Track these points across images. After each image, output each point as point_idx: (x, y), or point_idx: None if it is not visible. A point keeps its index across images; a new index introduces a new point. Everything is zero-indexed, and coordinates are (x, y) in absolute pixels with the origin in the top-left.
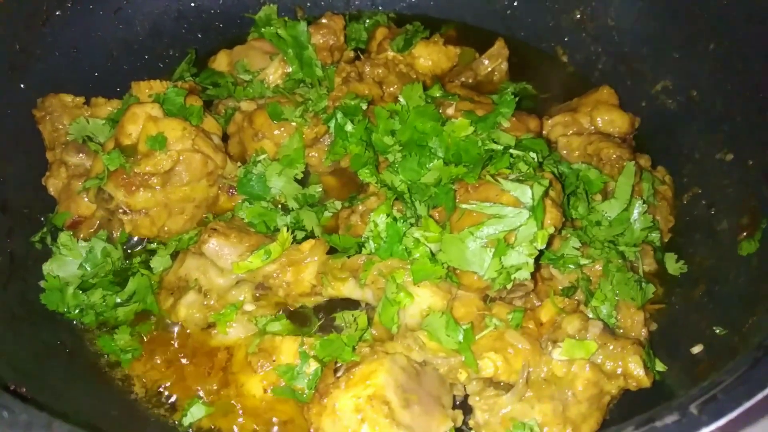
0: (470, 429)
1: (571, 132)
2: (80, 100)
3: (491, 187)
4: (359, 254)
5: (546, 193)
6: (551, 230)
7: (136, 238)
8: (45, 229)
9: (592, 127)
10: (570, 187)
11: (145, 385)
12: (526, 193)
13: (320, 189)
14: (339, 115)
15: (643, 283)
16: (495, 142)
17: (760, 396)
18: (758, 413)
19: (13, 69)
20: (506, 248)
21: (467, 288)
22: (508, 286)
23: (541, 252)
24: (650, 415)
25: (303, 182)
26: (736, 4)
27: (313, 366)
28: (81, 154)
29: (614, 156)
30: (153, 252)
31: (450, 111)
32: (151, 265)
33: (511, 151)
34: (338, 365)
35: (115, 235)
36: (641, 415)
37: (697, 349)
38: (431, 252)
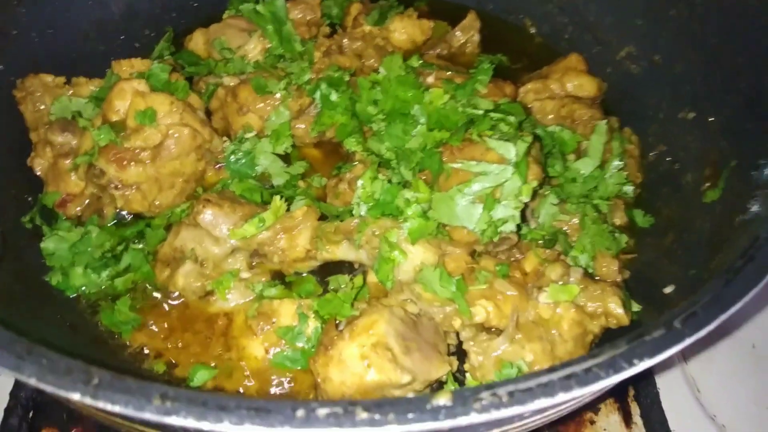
0: (465, 372)
1: (542, 97)
2: (61, 80)
3: (476, 147)
4: (351, 217)
5: (528, 151)
6: (534, 184)
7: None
8: (34, 209)
9: (563, 93)
10: (546, 148)
11: (148, 354)
12: (511, 150)
13: (305, 164)
14: (323, 86)
15: (616, 234)
16: (474, 108)
17: (732, 310)
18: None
19: None
20: (494, 202)
21: (457, 243)
22: (495, 239)
23: (526, 205)
24: (639, 332)
25: (287, 156)
26: None
27: (311, 326)
28: (66, 133)
29: (586, 117)
30: (144, 227)
31: (430, 80)
32: (145, 239)
33: (491, 114)
34: (338, 321)
35: (105, 212)
36: (632, 332)
37: (669, 289)
38: (423, 211)
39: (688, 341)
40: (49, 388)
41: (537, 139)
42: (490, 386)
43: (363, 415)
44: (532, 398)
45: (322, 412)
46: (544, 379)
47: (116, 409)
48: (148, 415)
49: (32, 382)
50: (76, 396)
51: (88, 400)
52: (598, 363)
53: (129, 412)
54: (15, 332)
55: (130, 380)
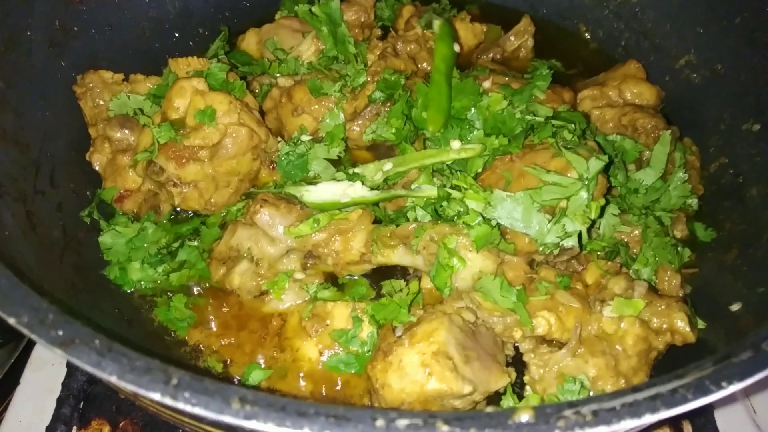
0: (524, 384)
1: (600, 105)
2: (119, 76)
3: (538, 155)
4: (408, 222)
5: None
6: (603, 202)
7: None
8: (93, 204)
9: (621, 100)
10: None
11: (203, 352)
12: (583, 165)
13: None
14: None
15: (679, 248)
16: (534, 114)
17: None
18: None
19: (54, 46)
20: (562, 215)
21: (517, 251)
22: (555, 252)
23: (592, 222)
24: (726, 353)
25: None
26: None
27: (366, 330)
28: (125, 130)
29: (650, 125)
30: (200, 225)
31: (486, 84)
32: (200, 237)
33: (553, 121)
34: (394, 327)
35: (161, 209)
36: (714, 354)
37: (735, 307)
38: (483, 217)
39: None
40: (129, 387)
41: (601, 148)
42: (572, 404)
43: (444, 428)
44: (617, 418)
45: (402, 422)
46: (628, 398)
47: (195, 410)
48: (228, 418)
49: (113, 380)
50: (156, 396)
51: (168, 401)
52: (684, 384)
53: (208, 414)
54: (93, 328)
55: (208, 381)
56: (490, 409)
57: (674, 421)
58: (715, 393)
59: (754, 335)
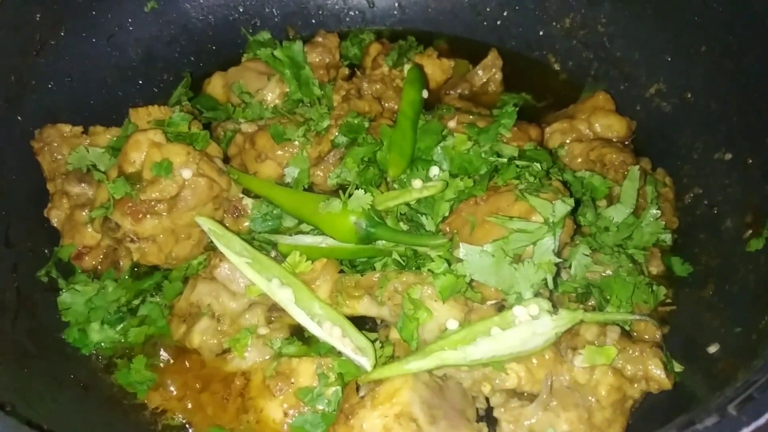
0: None
1: (570, 139)
2: (78, 129)
3: (502, 197)
4: (373, 271)
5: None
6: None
7: None
8: (50, 263)
9: (591, 133)
10: (576, 194)
11: (163, 416)
12: (547, 208)
13: None
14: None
15: (654, 286)
16: (498, 155)
17: None
18: None
19: (9, 101)
20: (530, 264)
21: (484, 299)
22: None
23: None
24: (690, 418)
25: None
26: (724, 6)
27: (332, 387)
28: (83, 184)
29: (617, 161)
30: (162, 279)
31: (452, 124)
32: (162, 292)
33: (517, 162)
34: (359, 385)
35: (121, 264)
36: (680, 417)
37: (713, 349)
38: (449, 264)
39: (745, 431)
40: None
41: (566, 187)
42: None
43: None
44: None
45: None
46: None
47: None
48: None
49: None
50: None
51: None
52: None
53: None
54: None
55: None
56: None
57: None
58: None
59: (720, 397)
